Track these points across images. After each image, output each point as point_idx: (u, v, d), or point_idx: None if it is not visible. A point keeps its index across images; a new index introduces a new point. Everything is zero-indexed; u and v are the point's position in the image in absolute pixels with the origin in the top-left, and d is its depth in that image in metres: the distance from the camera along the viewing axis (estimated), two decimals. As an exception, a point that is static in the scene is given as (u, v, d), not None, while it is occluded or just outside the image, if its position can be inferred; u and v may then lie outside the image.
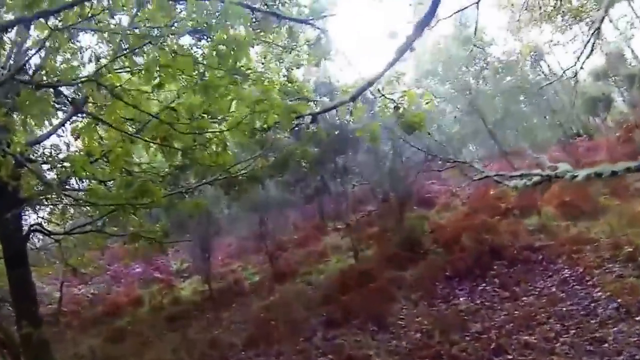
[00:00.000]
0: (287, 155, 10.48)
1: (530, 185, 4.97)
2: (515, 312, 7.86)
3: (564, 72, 11.35)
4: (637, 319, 6.65)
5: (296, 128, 9.29)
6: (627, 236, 9.27)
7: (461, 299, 8.97)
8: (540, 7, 14.24)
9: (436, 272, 10.22)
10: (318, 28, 9.35)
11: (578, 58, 9.18)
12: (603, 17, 11.75)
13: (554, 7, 13.82)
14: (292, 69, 10.93)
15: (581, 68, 9.37)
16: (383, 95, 9.87)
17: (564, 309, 7.55)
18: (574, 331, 6.84)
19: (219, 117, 7.06)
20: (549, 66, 27.68)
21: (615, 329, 6.59)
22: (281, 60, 10.78)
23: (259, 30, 8.93)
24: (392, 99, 10.29)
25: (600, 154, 16.55)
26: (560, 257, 9.55)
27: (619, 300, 7.18)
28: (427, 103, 11.23)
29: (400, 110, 10.32)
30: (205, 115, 6.31)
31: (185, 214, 11.48)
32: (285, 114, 5.50)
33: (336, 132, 12.77)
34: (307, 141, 11.19)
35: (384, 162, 14.70)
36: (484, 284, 9.30)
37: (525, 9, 14.00)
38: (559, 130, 25.49)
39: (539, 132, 26.97)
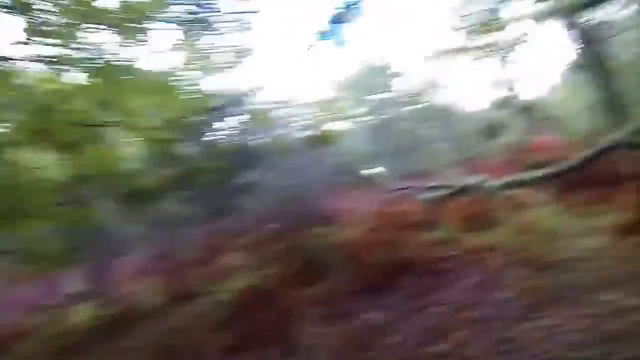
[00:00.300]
0: (193, 168, 9.96)
1: (443, 197, 4.81)
2: (428, 322, 7.70)
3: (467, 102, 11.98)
4: (540, 315, 6.79)
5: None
6: (522, 242, 9.74)
7: (372, 313, 8.61)
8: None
9: (344, 288, 9.90)
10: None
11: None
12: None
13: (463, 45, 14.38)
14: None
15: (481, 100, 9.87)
16: (299, 105, 9.56)
17: (475, 313, 7.50)
18: (485, 334, 6.80)
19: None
20: (453, 95, 29.73)
21: (522, 327, 6.64)
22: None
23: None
24: (307, 112, 10.08)
25: (495, 174, 17.26)
26: (465, 265, 9.65)
27: (523, 300, 7.32)
28: (340, 119, 11.21)
29: (314, 124, 10.17)
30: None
31: (80, 231, 10.69)
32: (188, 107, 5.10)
33: (243, 146, 12.44)
34: (213, 154, 10.77)
35: (289, 178, 14.48)
36: (394, 297, 9.10)
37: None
38: (460, 153, 27.20)
39: (443, 155, 28.73)
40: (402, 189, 5.55)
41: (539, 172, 3.55)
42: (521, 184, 3.75)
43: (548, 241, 9.64)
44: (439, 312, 8.01)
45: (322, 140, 9.91)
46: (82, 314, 14.17)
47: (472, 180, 4.29)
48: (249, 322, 9.15)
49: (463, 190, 4.01)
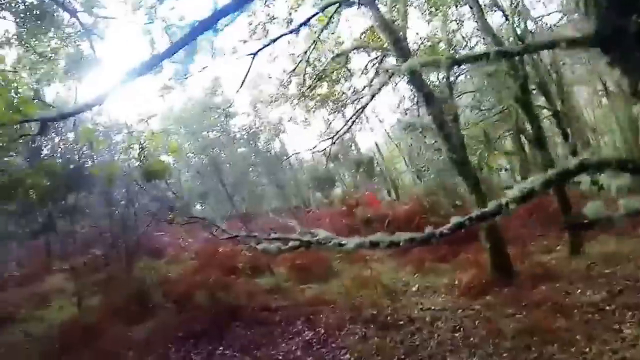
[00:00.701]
0: (15, 181, 8.47)
1: (287, 249, 4.33)
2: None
3: (296, 152, 12.01)
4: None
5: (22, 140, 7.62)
6: (361, 298, 9.56)
7: None
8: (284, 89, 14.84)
9: (169, 331, 9.08)
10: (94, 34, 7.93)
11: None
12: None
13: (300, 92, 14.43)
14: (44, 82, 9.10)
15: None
16: (131, 132, 8.61)
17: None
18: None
19: None
20: (282, 142, 30.27)
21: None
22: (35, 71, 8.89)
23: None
24: (139, 140, 9.16)
25: (325, 223, 17.36)
26: (299, 318, 9.27)
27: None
28: (172, 152, 10.41)
29: (144, 154, 9.25)
30: None
31: None
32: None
33: (71, 167, 11.02)
34: (39, 169, 9.35)
35: (116, 206, 13.29)
36: (222, 347, 8.42)
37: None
38: (288, 200, 27.38)
39: (270, 200, 28.65)
40: (233, 236, 4.95)
41: (400, 236, 3.25)
42: (373, 245, 3.38)
43: (390, 298, 9.47)
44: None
45: (152, 172, 9.03)
46: None
47: (326, 233, 3.87)
48: None
49: (321, 243, 3.56)
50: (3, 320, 10.84)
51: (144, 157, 8.38)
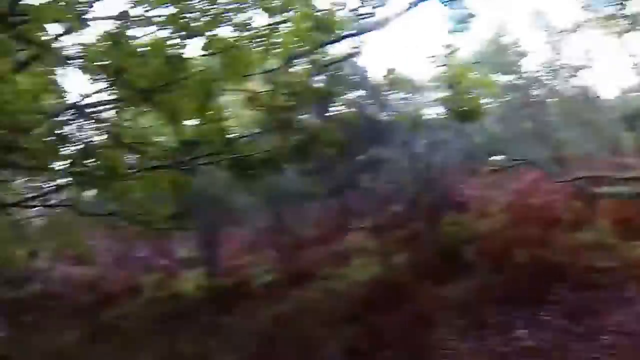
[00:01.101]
0: (312, 138, 8.82)
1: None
2: (596, 356, 6.09)
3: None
4: None
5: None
6: None
7: (520, 331, 7.02)
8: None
9: (486, 293, 8.23)
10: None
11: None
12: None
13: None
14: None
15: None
16: (438, 66, 8.20)
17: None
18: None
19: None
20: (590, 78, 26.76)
21: None
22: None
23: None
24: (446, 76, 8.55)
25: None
26: (630, 282, 7.75)
27: None
28: (486, 89, 9.53)
29: (453, 93, 8.62)
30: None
31: (190, 198, 10.12)
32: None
33: (368, 117, 11.09)
34: (336, 125, 9.59)
35: (417, 158, 12.98)
36: (544, 313, 7.43)
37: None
38: (598, 142, 24.17)
39: (575, 144, 25.68)
40: (574, 179, 4.12)
41: None
42: None
43: None
44: (609, 344, 6.31)
45: (464, 113, 8.35)
46: (189, 282, 13.76)
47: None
48: (373, 322, 7.75)
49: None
50: (305, 277, 11.36)
51: (456, 95, 7.78)
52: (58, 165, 6.30)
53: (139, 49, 4.57)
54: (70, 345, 10.03)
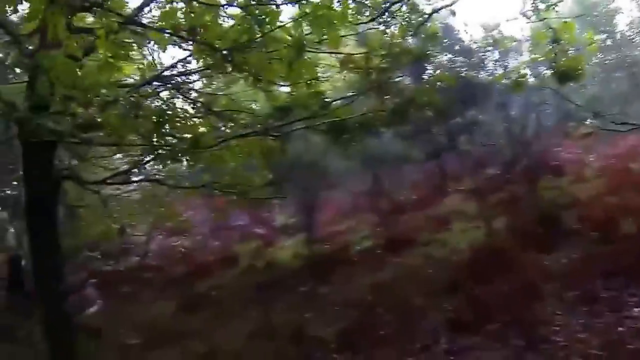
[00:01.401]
0: (408, 101, 8.54)
1: None
2: None
3: None
4: None
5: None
6: None
7: (635, 309, 6.30)
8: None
9: (592, 263, 7.61)
10: None
11: None
12: None
13: None
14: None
15: None
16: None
17: None
18: None
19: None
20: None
21: None
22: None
23: None
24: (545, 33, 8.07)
25: None
26: None
27: None
28: (589, 45, 8.77)
29: (558, 49, 8.01)
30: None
31: (288, 165, 10.16)
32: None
33: (464, 77, 10.57)
34: (432, 84, 9.24)
35: (515, 120, 12.26)
36: None
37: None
38: None
39: None
40: None
41: None
42: None
43: None
44: None
45: (566, 72, 7.76)
46: (287, 250, 13.97)
47: None
48: (477, 293, 7.37)
49: None
50: (404, 243, 11.17)
51: (556, 53, 7.28)
52: (140, 139, 6.19)
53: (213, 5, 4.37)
54: (164, 316, 10.38)
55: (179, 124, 6.91)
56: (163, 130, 6.07)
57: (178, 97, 8.87)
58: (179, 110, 8.24)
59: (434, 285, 8.29)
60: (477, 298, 7.12)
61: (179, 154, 5.87)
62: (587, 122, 14.37)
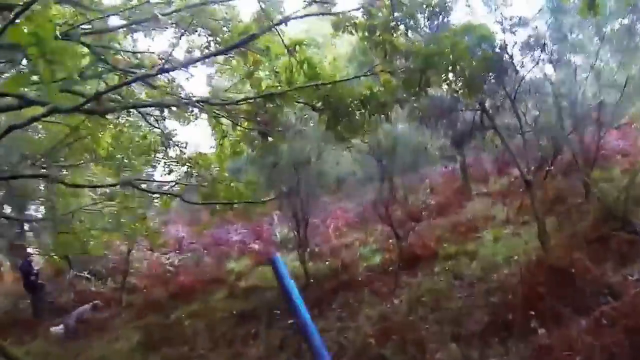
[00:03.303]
0: (424, 63, 6.01)
1: None
2: None
3: None
4: None
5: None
6: None
7: None
8: None
9: None
10: None
11: None
12: None
13: None
14: None
15: None
16: None
17: None
18: None
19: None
20: None
21: None
22: None
23: None
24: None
25: None
26: None
27: None
28: None
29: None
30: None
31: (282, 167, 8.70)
32: None
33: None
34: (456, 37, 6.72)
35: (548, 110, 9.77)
36: None
37: None
38: None
39: None
40: None
41: None
42: None
43: None
44: None
45: None
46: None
47: None
48: (546, 339, 4.84)
49: None
50: (422, 258, 9.00)
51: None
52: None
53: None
54: (120, 354, 8.79)
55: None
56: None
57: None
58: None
59: (469, 315, 5.78)
60: (550, 348, 4.43)
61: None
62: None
